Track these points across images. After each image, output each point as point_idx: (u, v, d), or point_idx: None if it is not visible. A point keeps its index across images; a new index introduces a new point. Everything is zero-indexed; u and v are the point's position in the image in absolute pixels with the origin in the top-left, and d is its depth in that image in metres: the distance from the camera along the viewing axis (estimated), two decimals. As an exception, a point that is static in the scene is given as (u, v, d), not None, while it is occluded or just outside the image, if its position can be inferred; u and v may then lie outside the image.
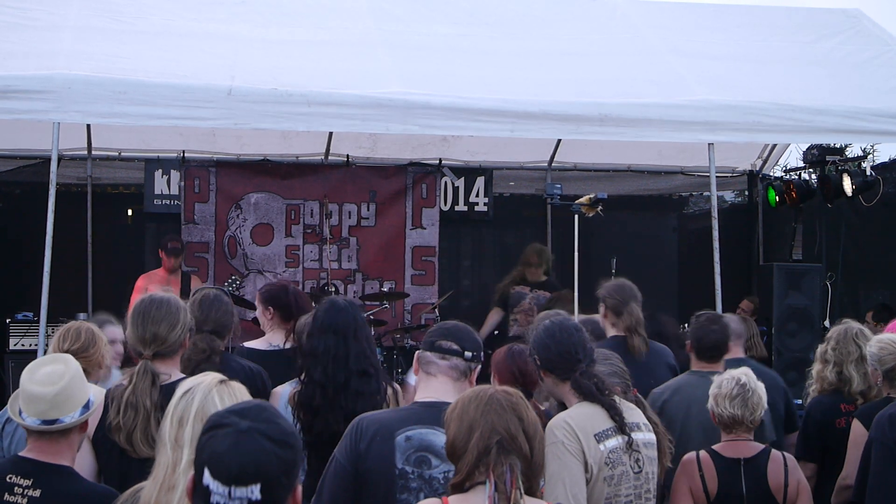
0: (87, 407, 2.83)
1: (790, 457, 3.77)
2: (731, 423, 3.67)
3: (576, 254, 5.95)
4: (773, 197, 9.01)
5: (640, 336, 4.79)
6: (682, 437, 3.96)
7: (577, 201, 5.97)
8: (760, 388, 3.71)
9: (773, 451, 3.73)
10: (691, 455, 3.70)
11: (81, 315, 8.07)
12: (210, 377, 2.42)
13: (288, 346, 4.67)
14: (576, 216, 5.94)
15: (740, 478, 3.61)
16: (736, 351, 4.99)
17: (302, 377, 3.77)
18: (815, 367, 4.48)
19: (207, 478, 1.76)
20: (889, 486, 3.22)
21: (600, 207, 6.03)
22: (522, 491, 2.32)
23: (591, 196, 5.97)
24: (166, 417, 2.37)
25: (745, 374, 3.74)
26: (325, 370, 3.61)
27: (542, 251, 8.24)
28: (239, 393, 2.38)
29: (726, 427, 3.70)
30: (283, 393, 4.05)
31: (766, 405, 3.75)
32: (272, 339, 4.74)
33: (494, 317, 8.11)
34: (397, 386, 4.01)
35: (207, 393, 2.34)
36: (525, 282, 8.05)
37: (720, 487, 3.60)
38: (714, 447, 3.72)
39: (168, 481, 2.27)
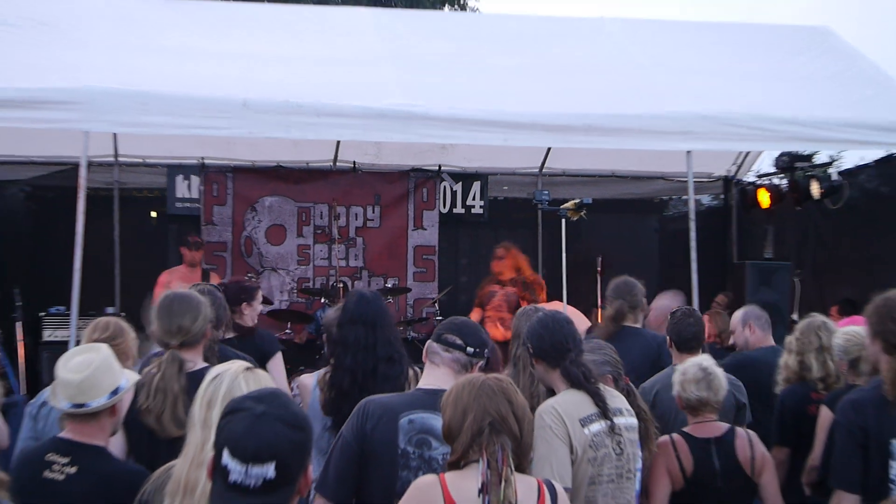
0: (115, 393, 2.84)
1: (752, 432, 3.80)
2: (698, 405, 3.68)
3: (563, 254, 5.96)
4: (747, 200, 9.00)
5: (609, 326, 4.85)
6: (676, 424, 3.95)
7: (563, 206, 5.98)
8: (720, 372, 3.74)
9: (738, 428, 3.75)
10: (665, 438, 3.70)
11: (109, 308, 8.10)
12: (237, 364, 2.44)
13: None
14: (563, 219, 5.95)
15: (712, 455, 3.63)
16: (768, 339, 5.02)
17: (331, 362, 3.78)
18: (783, 357, 4.47)
19: (226, 457, 1.77)
20: (850, 464, 3.23)
21: (584, 212, 6.04)
22: (513, 468, 2.34)
23: (577, 201, 5.99)
24: (196, 400, 2.38)
25: (705, 359, 3.77)
26: (356, 357, 3.60)
27: (508, 248, 8.11)
28: (263, 379, 2.39)
29: (693, 410, 3.71)
30: (313, 383, 4.04)
31: (727, 387, 3.77)
32: None
33: (473, 316, 8.08)
34: (417, 369, 4.02)
35: (234, 378, 2.36)
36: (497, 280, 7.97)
37: (695, 466, 3.62)
38: (685, 429, 3.73)
39: (197, 458, 2.28)
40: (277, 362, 4.79)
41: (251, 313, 5.02)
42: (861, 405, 3.27)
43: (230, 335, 4.74)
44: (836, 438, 3.32)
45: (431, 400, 2.90)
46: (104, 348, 2.94)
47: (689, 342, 4.37)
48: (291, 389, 4.32)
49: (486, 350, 3.11)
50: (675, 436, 3.71)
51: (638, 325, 4.93)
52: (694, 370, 3.68)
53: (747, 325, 5.04)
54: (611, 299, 4.94)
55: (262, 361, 4.60)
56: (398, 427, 2.91)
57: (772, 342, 5.03)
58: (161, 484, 2.38)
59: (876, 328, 3.29)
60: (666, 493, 3.64)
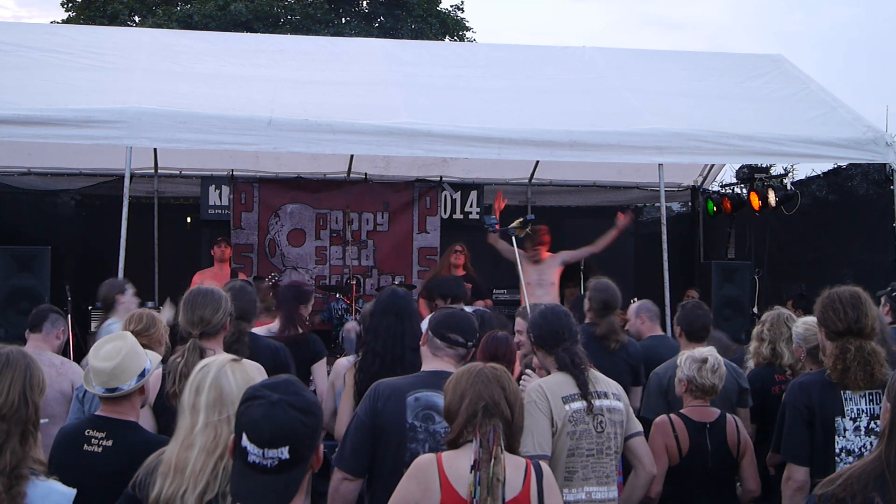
0: (142, 375, 2.81)
1: (738, 418, 3.77)
2: (710, 390, 3.62)
3: (518, 263, 5.87)
4: (712, 207, 9.02)
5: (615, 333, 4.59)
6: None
7: (510, 226, 5.88)
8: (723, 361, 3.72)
9: (728, 414, 3.71)
10: (664, 418, 3.66)
11: (149, 303, 8.08)
12: (223, 356, 2.38)
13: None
14: (512, 238, 5.87)
15: (706, 438, 3.60)
16: (655, 329, 4.95)
17: (360, 349, 3.72)
18: (752, 345, 4.36)
19: (245, 441, 1.74)
20: (799, 440, 3.22)
21: (529, 228, 6.00)
22: (503, 448, 2.32)
23: (521, 220, 5.90)
24: (186, 388, 2.31)
25: (713, 351, 3.72)
26: (385, 344, 3.55)
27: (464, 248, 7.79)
28: (250, 369, 2.33)
29: (705, 393, 3.63)
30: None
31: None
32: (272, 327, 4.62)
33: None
34: None
35: (221, 367, 2.28)
36: None
37: (691, 446, 3.58)
38: (683, 412, 3.67)
39: (187, 441, 2.22)
40: (322, 365, 4.62)
41: (305, 314, 4.75)
42: (807, 386, 3.27)
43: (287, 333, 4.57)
44: (785, 417, 3.30)
45: (435, 380, 2.90)
46: (129, 336, 2.89)
47: (698, 332, 4.25)
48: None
49: (477, 337, 3.15)
50: (674, 417, 3.65)
51: None
52: (712, 360, 3.63)
53: (639, 317, 4.95)
54: (604, 308, 4.58)
55: (311, 362, 4.53)
56: (406, 404, 2.91)
57: (659, 331, 4.95)
58: (153, 469, 2.31)
59: (820, 317, 3.30)
60: (663, 469, 3.59)
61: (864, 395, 3.19)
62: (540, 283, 7.23)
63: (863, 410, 3.18)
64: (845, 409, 3.18)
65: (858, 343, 3.16)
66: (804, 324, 4.05)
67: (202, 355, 3.16)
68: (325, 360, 4.67)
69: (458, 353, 3.04)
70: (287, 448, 1.73)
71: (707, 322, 4.33)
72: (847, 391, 3.18)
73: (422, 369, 3.09)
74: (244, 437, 1.75)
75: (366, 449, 2.91)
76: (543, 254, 7.31)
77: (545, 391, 3.08)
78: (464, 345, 3.04)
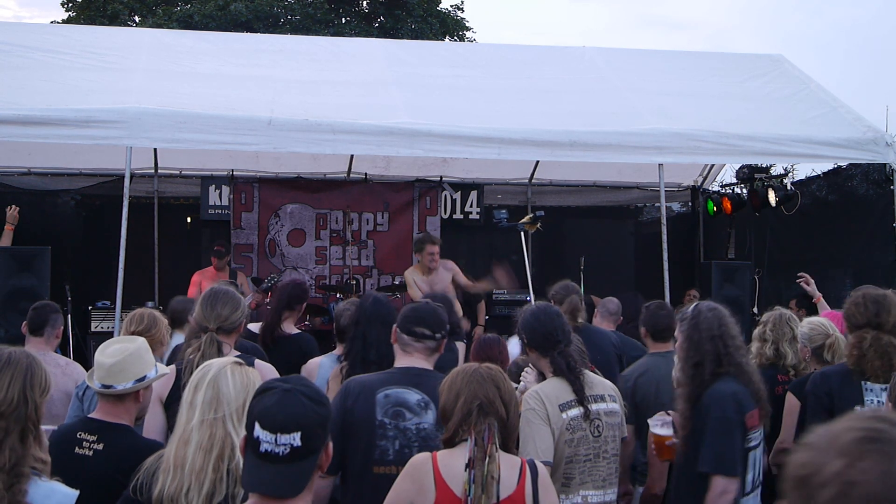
0: (140, 380, 2.79)
1: None
2: None
3: (526, 260, 5.87)
4: (712, 207, 9.02)
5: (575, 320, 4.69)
6: (655, 408, 3.87)
7: (520, 221, 5.87)
8: None
9: None
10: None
11: (149, 303, 8.09)
12: (227, 358, 2.41)
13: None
14: (521, 233, 5.87)
15: None
16: (609, 326, 5.03)
17: (344, 355, 3.69)
18: (755, 346, 4.30)
19: (258, 430, 1.75)
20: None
21: (539, 224, 5.99)
22: (498, 446, 2.32)
23: (531, 215, 5.90)
24: (187, 385, 2.33)
25: None
26: (379, 352, 3.50)
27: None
28: (251, 374, 2.34)
29: None
30: (323, 363, 3.97)
31: None
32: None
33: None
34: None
35: (221, 367, 2.31)
36: None
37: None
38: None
39: (184, 437, 2.24)
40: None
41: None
42: (828, 376, 3.37)
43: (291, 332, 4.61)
44: (808, 408, 3.32)
45: (405, 377, 2.92)
46: (140, 340, 2.89)
47: (661, 332, 4.24)
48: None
49: (447, 327, 3.11)
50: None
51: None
52: None
53: (598, 312, 5.10)
54: (565, 297, 4.70)
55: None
56: (375, 401, 2.89)
57: (610, 328, 5.10)
58: (153, 471, 2.32)
59: (845, 313, 3.44)
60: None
61: (885, 388, 3.21)
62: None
63: (882, 402, 3.22)
64: (865, 399, 3.23)
65: (875, 334, 3.26)
66: (809, 324, 4.05)
67: (219, 349, 3.17)
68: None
69: (427, 346, 3.00)
70: (299, 434, 1.74)
71: (669, 322, 4.26)
72: (867, 382, 3.22)
73: (393, 366, 3.05)
74: (256, 426, 1.76)
75: (337, 446, 2.89)
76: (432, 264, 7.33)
77: (542, 398, 3.03)
78: (431, 337, 3.00)
